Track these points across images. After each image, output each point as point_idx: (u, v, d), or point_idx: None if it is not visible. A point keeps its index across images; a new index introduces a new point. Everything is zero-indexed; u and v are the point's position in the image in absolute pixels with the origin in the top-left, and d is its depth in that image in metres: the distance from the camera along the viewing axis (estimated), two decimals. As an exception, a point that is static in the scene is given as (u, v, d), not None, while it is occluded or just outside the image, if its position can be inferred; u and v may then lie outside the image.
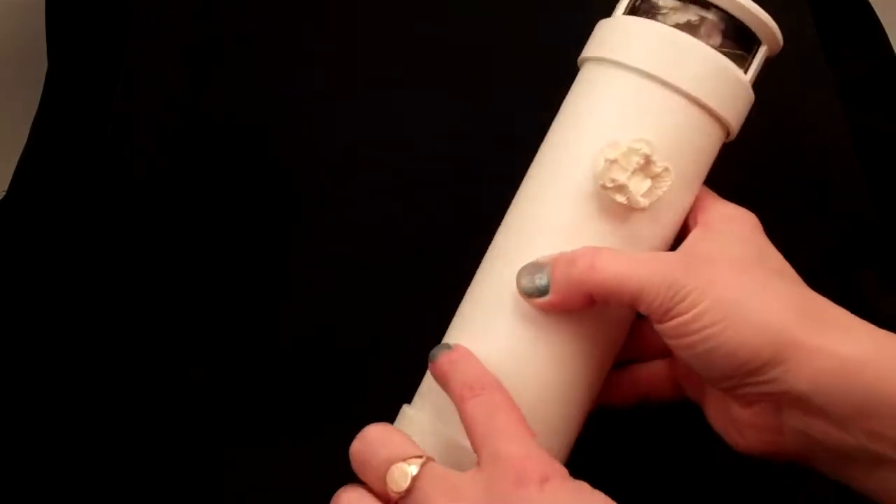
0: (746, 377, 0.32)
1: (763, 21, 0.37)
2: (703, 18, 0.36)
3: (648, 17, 0.36)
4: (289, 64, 0.53)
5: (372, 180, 0.50)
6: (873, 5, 0.63)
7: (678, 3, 0.36)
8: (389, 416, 0.50)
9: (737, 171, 0.52)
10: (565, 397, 0.36)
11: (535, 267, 0.35)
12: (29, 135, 0.56)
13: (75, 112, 0.56)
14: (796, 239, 0.51)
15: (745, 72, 0.37)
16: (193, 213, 0.52)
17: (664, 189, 0.34)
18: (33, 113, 0.56)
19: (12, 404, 0.51)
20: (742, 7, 0.36)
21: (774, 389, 0.32)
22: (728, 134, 0.38)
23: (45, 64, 0.59)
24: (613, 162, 0.34)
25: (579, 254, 0.34)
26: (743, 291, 0.32)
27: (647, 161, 0.34)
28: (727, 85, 0.36)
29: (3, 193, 0.56)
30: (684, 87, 0.35)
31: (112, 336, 0.52)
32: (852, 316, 0.33)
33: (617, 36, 0.37)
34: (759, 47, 0.37)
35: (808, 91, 0.55)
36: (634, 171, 0.34)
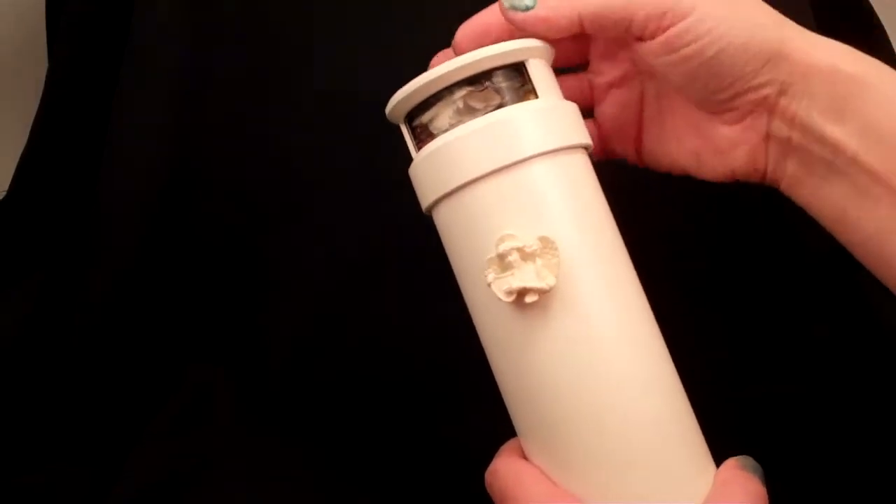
0: (748, 80, 0.34)
1: (500, 55, 0.35)
2: (469, 92, 0.35)
3: (431, 138, 0.35)
4: (288, 64, 0.53)
5: (370, 181, 0.51)
6: (873, 5, 0.63)
7: (437, 106, 0.35)
8: (389, 416, 0.50)
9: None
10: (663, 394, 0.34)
11: None
12: (29, 135, 0.56)
13: (75, 112, 0.56)
14: (795, 240, 0.51)
15: (536, 95, 0.35)
16: (193, 212, 0.52)
17: (556, 251, 0.33)
18: (33, 113, 0.56)
19: (12, 404, 0.51)
20: (476, 63, 0.34)
21: (772, 90, 0.34)
22: (585, 148, 0.36)
23: (45, 64, 0.59)
24: (493, 280, 0.33)
25: None
26: (728, 2, 0.34)
27: (520, 249, 0.33)
28: (533, 127, 0.34)
29: (4, 193, 0.56)
30: (499, 163, 0.33)
31: (112, 336, 0.52)
32: (826, 38, 0.35)
33: (421, 178, 0.36)
34: (525, 66, 0.36)
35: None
36: (518, 268, 0.33)
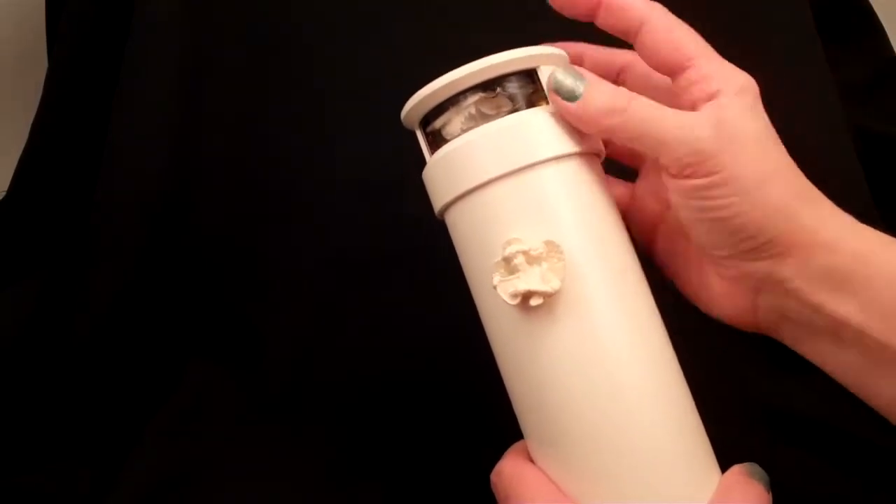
0: (742, 253, 0.34)
1: (512, 61, 0.35)
2: (481, 98, 0.35)
3: (444, 143, 0.36)
4: (288, 64, 0.53)
5: (371, 181, 0.51)
6: (873, 5, 0.63)
7: (450, 111, 0.35)
8: (389, 416, 0.50)
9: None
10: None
11: (578, 73, 0.34)
12: (29, 134, 0.56)
13: (75, 112, 0.56)
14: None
15: (548, 102, 0.35)
16: (193, 212, 0.52)
17: (561, 255, 0.33)
18: (33, 113, 0.56)
19: (13, 403, 0.51)
20: (489, 69, 0.35)
21: (764, 271, 0.34)
22: (597, 154, 0.36)
23: (45, 64, 0.59)
24: (499, 283, 0.33)
25: (622, 90, 0.34)
26: (761, 172, 0.33)
27: (525, 252, 0.33)
28: (544, 131, 0.34)
29: (4, 193, 0.56)
30: (509, 167, 0.34)
31: (112, 335, 0.52)
32: (839, 211, 0.35)
33: (433, 181, 0.36)
34: (536, 73, 0.36)
35: (809, 91, 0.55)
36: (524, 271, 0.33)
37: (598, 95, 0.34)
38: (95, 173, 0.53)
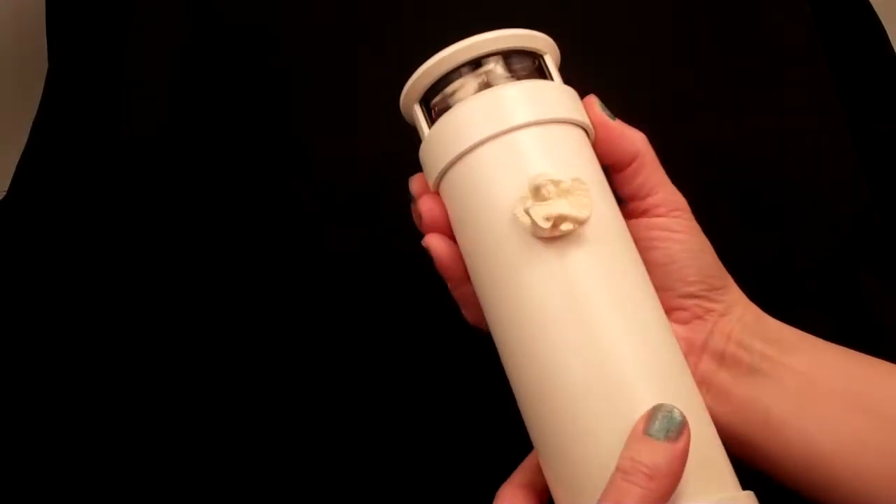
0: (710, 286, 0.39)
1: (529, 37, 0.38)
2: (488, 72, 0.37)
3: (450, 109, 0.37)
4: (287, 61, 0.53)
5: (371, 177, 0.51)
6: (873, 6, 0.63)
7: (462, 80, 0.37)
8: (387, 415, 0.50)
9: (737, 170, 0.52)
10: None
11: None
12: (29, 135, 0.56)
13: (75, 112, 0.56)
14: (796, 238, 0.51)
15: (551, 78, 0.38)
16: (193, 212, 0.52)
17: (587, 192, 0.35)
18: (33, 113, 0.56)
19: (13, 404, 0.51)
20: (502, 39, 0.37)
21: (721, 307, 0.39)
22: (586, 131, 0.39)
23: (45, 64, 0.59)
24: (531, 206, 0.34)
25: None
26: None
27: (556, 183, 0.34)
28: (544, 96, 0.37)
29: (4, 193, 0.56)
30: (541, 116, 0.36)
31: (112, 335, 0.52)
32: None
33: (455, 132, 0.37)
34: (543, 58, 0.39)
35: (809, 91, 0.55)
36: (552, 198, 0.34)
37: (631, 128, 0.39)
38: (95, 173, 0.53)
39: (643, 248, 0.38)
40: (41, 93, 0.56)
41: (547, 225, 0.33)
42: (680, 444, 0.31)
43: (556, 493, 0.35)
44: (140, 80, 0.53)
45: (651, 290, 0.37)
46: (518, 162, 0.35)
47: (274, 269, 0.52)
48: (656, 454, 0.31)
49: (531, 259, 0.34)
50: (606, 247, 0.35)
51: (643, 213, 0.39)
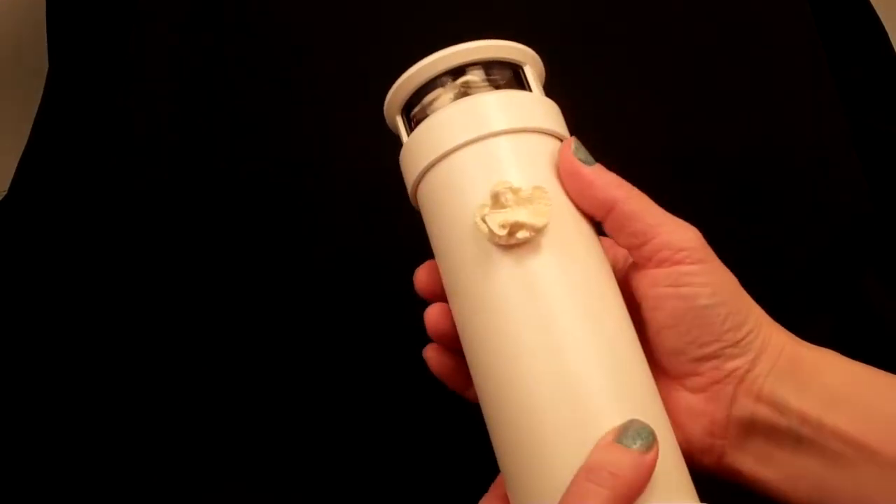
0: (728, 342, 0.35)
1: (508, 48, 0.38)
2: (467, 82, 0.37)
3: (427, 118, 0.37)
4: (289, 60, 0.53)
5: (372, 177, 0.51)
6: (873, 6, 0.63)
7: (441, 90, 0.37)
8: (387, 415, 0.50)
9: (738, 170, 0.52)
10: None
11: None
12: (30, 135, 0.56)
13: (76, 112, 0.56)
14: (796, 237, 0.51)
15: (530, 90, 0.38)
16: (193, 212, 0.52)
17: (548, 200, 0.34)
18: (33, 113, 0.56)
19: (13, 404, 0.51)
20: (481, 49, 0.37)
21: (744, 362, 0.35)
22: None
23: (46, 64, 0.59)
24: (488, 214, 0.34)
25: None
26: (727, 275, 0.36)
27: (515, 191, 0.34)
28: (520, 106, 0.37)
29: (4, 193, 0.56)
30: (513, 125, 0.36)
31: (113, 335, 0.52)
32: None
33: (429, 139, 0.37)
34: (522, 69, 0.38)
35: (809, 91, 0.55)
36: (511, 206, 0.34)
37: (608, 173, 0.36)
38: (96, 174, 0.53)
39: (649, 307, 0.35)
40: (41, 93, 0.56)
41: (503, 232, 0.33)
42: (649, 457, 0.31)
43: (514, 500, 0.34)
44: (140, 80, 0.53)
45: (617, 300, 0.35)
46: (486, 169, 0.35)
47: (275, 270, 0.52)
48: (623, 460, 0.30)
49: (489, 267, 0.34)
50: (567, 255, 0.34)
51: (646, 263, 0.36)
